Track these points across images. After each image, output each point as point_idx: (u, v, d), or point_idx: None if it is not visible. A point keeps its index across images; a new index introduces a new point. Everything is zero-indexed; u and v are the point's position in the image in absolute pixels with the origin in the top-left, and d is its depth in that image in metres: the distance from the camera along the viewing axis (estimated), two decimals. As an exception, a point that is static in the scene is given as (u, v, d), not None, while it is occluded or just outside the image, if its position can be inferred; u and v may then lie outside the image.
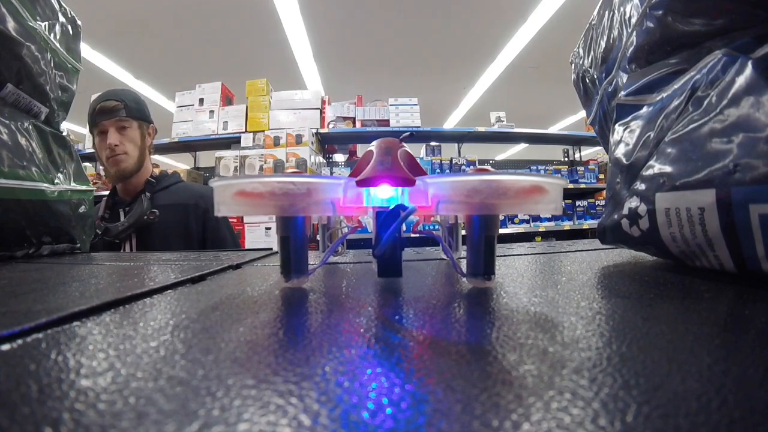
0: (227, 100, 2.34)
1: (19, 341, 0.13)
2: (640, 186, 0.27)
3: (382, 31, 3.08)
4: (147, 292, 0.22)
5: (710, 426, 0.07)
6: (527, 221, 2.34)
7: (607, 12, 0.38)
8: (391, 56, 3.46)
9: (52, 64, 0.55)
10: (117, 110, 0.88)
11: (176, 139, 2.28)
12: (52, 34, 0.55)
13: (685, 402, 0.08)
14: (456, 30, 3.06)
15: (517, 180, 0.19)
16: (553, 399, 0.09)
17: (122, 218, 0.88)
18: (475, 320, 0.16)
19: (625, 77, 0.34)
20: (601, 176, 2.52)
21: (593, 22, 0.42)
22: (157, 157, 3.05)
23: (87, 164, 2.52)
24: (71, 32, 0.60)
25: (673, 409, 0.08)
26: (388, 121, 2.27)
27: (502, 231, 2.20)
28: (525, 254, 0.41)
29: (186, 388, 0.09)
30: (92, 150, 2.57)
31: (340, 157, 2.60)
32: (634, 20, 0.32)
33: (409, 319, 0.16)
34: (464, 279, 0.23)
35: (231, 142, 2.18)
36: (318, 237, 0.39)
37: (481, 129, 2.43)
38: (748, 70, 0.21)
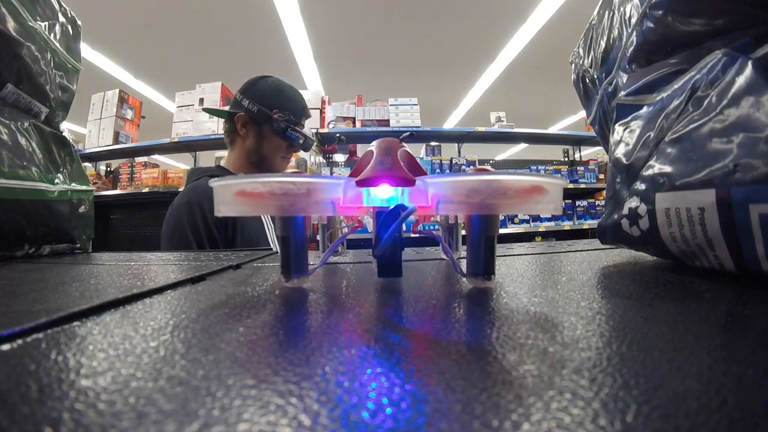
0: (227, 100, 2.34)
1: (19, 341, 0.13)
2: (640, 186, 0.27)
3: (382, 32, 3.08)
4: (147, 292, 0.22)
5: (710, 426, 0.07)
6: (527, 221, 2.34)
7: (607, 12, 0.38)
8: (391, 56, 3.46)
9: (52, 64, 0.55)
10: None
11: (176, 139, 2.28)
12: (52, 34, 0.55)
13: (685, 402, 0.08)
14: (456, 30, 3.06)
15: (517, 180, 0.19)
16: (553, 399, 0.09)
17: None
18: (475, 320, 0.16)
19: (625, 77, 0.34)
20: (601, 176, 2.52)
21: (593, 22, 0.42)
22: (157, 157, 3.05)
23: (87, 164, 2.52)
24: (71, 32, 0.60)
25: (673, 409, 0.08)
26: (388, 121, 2.27)
27: (502, 231, 2.20)
28: (525, 254, 0.41)
29: (186, 388, 0.09)
30: (93, 150, 2.56)
31: (340, 157, 2.60)
32: (634, 20, 0.32)
33: (409, 319, 0.16)
34: (464, 279, 0.23)
35: (231, 142, 2.18)
36: (318, 237, 0.39)
37: (481, 129, 2.42)
38: (748, 70, 0.21)
